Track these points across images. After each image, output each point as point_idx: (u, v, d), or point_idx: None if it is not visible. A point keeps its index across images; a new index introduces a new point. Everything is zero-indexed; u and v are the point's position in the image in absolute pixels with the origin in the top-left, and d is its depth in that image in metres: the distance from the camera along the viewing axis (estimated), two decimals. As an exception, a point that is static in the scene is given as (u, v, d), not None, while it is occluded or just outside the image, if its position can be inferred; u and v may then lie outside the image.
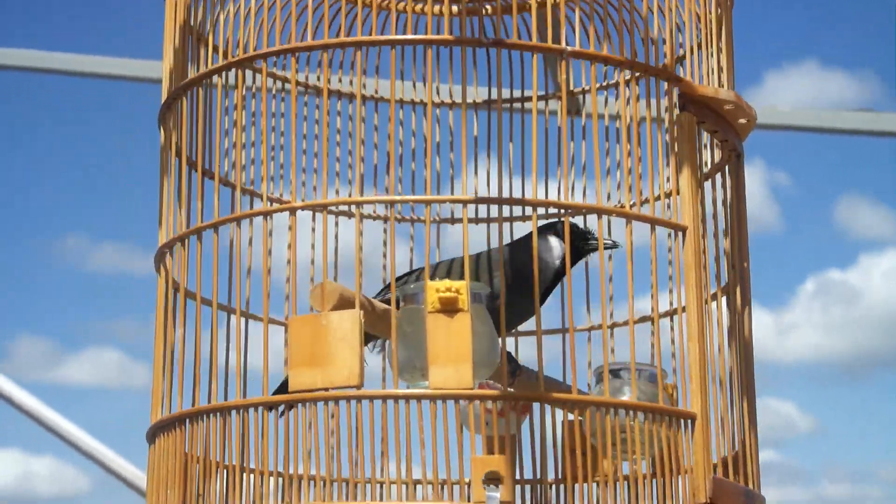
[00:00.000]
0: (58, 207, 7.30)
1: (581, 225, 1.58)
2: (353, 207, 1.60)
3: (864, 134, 3.76)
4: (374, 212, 1.71)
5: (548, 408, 1.36)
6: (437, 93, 1.74)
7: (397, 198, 1.35)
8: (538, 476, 1.60)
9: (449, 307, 1.27)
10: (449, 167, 1.73)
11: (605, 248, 1.56)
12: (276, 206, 1.59)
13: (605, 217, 1.36)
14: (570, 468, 1.60)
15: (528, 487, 1.63)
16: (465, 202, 1.34)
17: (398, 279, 1.58)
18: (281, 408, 1.34)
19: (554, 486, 1.60)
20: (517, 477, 1.60)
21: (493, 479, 1.27)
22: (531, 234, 1.35)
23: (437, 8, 1.63)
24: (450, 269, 1.55)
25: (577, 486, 1.58)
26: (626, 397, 1.51)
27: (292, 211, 1.35)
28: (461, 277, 1.31)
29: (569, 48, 1.35)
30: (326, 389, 1.27)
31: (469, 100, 1.72)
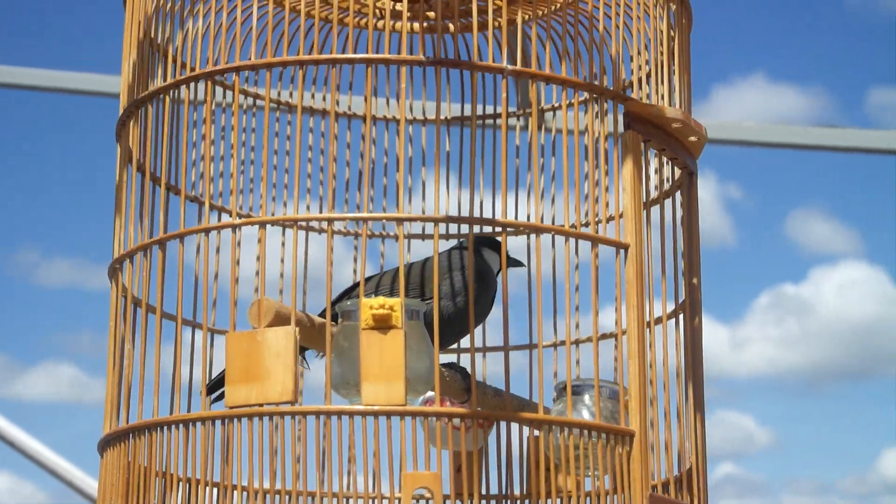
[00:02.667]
0: (9, 221, 7.33)
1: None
2: (325, 224, 1.61)
3: (828, 150, 3.71)
4: (345, 228, 1.72)
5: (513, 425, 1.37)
6: (411, 110, 1.75)
7: (369, 215, 1.36)
8: (504, 491, 1.62)
9: (382, 324, 1.28)
10: (420, 183, 1.74)
11: (510, 266, 1.59)
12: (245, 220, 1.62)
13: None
14: (534, 483, 1.61)
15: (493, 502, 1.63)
16: (436, 221, 1.34)
17: (351, 290, 1.59)
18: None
19: (519, 502, 1.61)
20: (483, 492, 1.61)
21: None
22: (467, 246, 1.37)
23: (407, 25, 1.64)
24: (394, 279, 1.56)
25: (540, 501, 1.60)
26: (585, 414, 1.51)
27: (262, 224, 1.36)
28: (408, 288, 1.31)
29: (509, 67, 1.35)
30: (261, 405, 1.29)
31: (442, 116, 1.73)
